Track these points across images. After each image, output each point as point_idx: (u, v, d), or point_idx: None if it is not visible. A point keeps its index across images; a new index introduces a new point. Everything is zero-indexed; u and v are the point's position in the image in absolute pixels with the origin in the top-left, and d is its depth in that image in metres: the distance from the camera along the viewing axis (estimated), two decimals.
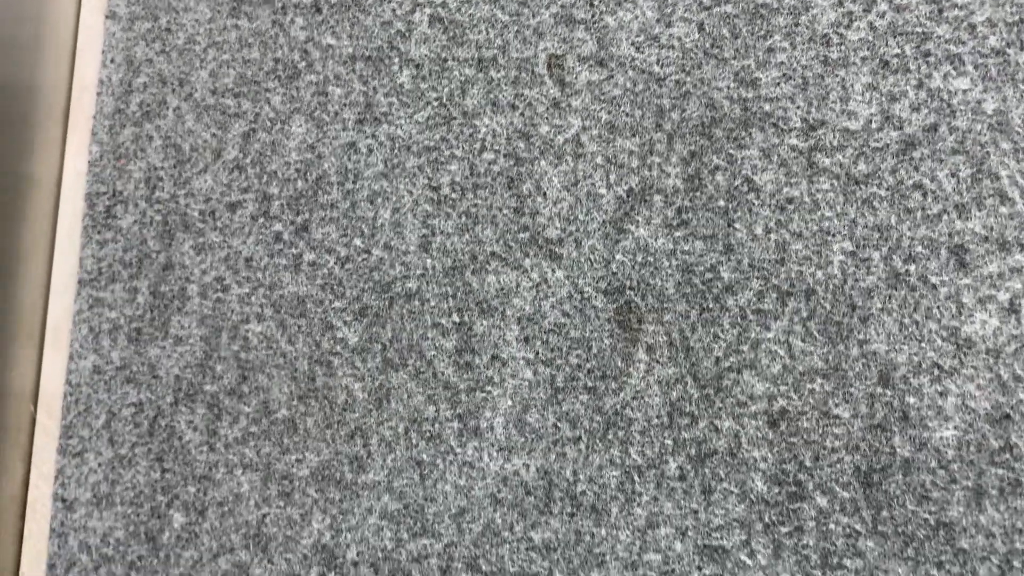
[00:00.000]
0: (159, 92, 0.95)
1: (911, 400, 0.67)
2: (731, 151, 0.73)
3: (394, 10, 0.85)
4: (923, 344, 0.67)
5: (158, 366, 0.90)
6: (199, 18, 0.94)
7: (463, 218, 0.82)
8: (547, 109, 0.79)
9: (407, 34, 0.84)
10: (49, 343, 0.97)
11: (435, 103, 0.83)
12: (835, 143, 0.70)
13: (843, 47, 0.70)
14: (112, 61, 0.97)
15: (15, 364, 0.97)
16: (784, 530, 0.69)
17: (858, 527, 0.68)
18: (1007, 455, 0.64)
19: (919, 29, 0.68)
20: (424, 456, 0.80)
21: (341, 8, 0.87)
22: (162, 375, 0.90)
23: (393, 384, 0.82)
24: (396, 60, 0.85)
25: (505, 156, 0.80)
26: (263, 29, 0.91)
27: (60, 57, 1.00)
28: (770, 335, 0.71)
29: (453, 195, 0.82)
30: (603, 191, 0.77)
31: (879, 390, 0.68)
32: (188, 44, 0.94)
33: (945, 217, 0.67)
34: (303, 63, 0.89)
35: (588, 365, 0.76)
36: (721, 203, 0.73)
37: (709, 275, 0.73)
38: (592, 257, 0.77)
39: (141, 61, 0.96)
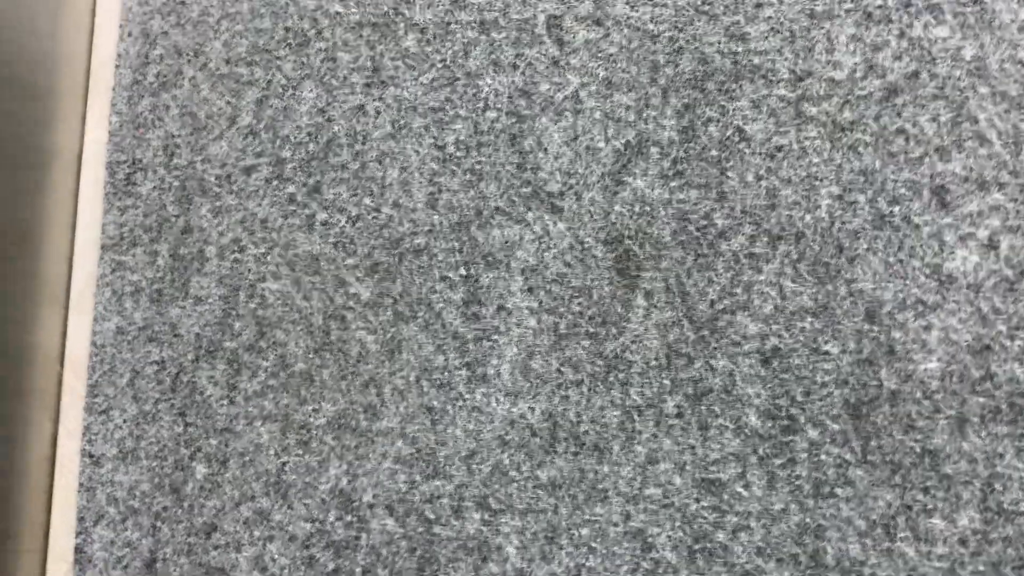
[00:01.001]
0: (175, 63, 0.98)
1: (896, 335, 0.70)
2: (723, 103, 0.76)
3: None
4: (907, 281, 0.70)
5: (179, 325, 0.94)
6: None
7: (468, 175, 0.85)
8: (547, 68, 0.82)
9: (411, 0, 0.88)
10: (74, 306, 1.01)
11: (439, 65, 0.87)
12: (821, 92, 0.73)
13: (828, 0, 0.73)
14: (129, 35, 1.01)
15: (42, 327, 1.01)
16: (777, 462, 0.73)
17: (848, 457, 0.71)
18: (988, 384, 0.67)
19: None
20: (435, 403, 0.84)
21: None
22: (183, 334, 0.94)
23: (404, 336, 0.86)
24: (401, 25, 0.88)
25: (507, 114, 0.84)
26: None
27: (79, 33, 1.04)
28: (762, 277, 0.74)
29: (458, 153, 0.86)
30: (601, 145, 0.80)
31: (866, 326, 0.71)
32: (202, 16, 0.98)
33: (927, 160, 0.70)
34: (312, 31, 0.92)
35: (589, 312, 0.80)
36: (714, 153, 0.76)
37: (703, 222, 0.76)
38: (592, 209, 0.80)
39: (157, 34, 0.99)
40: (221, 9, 0.97)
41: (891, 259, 0.71)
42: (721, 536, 0.74)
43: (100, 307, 0.98)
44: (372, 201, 0.89)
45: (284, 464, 0.88)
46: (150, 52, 0.99)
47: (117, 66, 1.01)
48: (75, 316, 1.00)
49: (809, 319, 0.72)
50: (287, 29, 0.93)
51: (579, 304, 0.80)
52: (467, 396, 0.83)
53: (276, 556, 0.86)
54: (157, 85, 0.99)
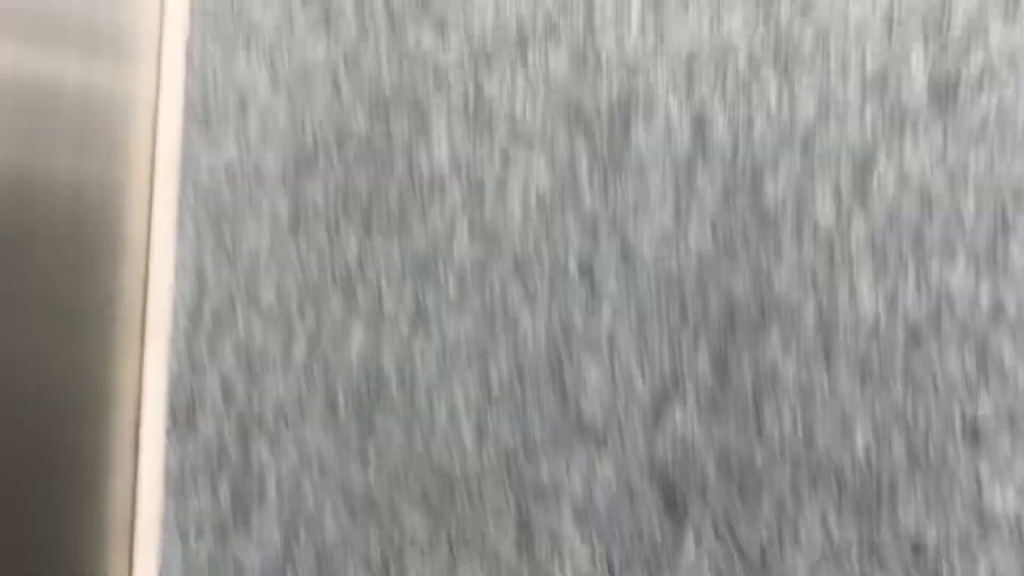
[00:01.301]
0: (229, 303, 1.04)
1: (944, 572, 0.72)
2: (753, 344, 0.79)
3: (437, 223, 0.94)
4: (949, 519, 0.72)
5: (242, 562, 0.98)
6: (260, 234, 1.04)
7: (513, 410, 0.89)
8: (581, 307, 0.87)
9: (450, 244, 0.93)
10: (139, 544, 1.04)
11: (479, 305, 0.91)
12: (848, 334, 0.76)
13: (845, 244, 0.77)
14: (184, 276, 1.07)
15: (108, 567, 1.05)
16: None
17: None
18: None
19: (913, 223, 0.75)
20: None
21: (389, 222, 0.96)
22: (247, 570, 0.97)
23: (460, 572, 0.89)
24: (442, 267, 0.93)
25: (547, 351, 0.88)
26: (320, 243, 1.00)
27: (134, 275, 1.11)
28: (806, 514, 0.76)
29: (502, 389, 0.89)
30: (639, 382, 0.84)
31: (913, 563, 0.72)
32: (252, 258, 1.04)
33: (956, 398, 0.73)
34: (358, 273, 0.98)
35: (641, 546, 0.82)
36: (749, 392, 0.79)
37: (745, 459, 0.79)
38: (635, 443, 0.83)
39: (210, 275, 1.06)
40: (269, 250, 1.03)
41: (931, 496, 0.73)
42: None
43: (165, 544, 1.02)
44: (422, 436, 0.92)
45: None
46: (204, 292, 1.05)
47: (172, 307, 1.07)
48: (141, 554, 1.04)
49: (856, 556, 0.74)
50: (334, 271, 0.99)
51: (630, 538, 0.82)
52: None
53: None
54: (212, 325, 1.04)
